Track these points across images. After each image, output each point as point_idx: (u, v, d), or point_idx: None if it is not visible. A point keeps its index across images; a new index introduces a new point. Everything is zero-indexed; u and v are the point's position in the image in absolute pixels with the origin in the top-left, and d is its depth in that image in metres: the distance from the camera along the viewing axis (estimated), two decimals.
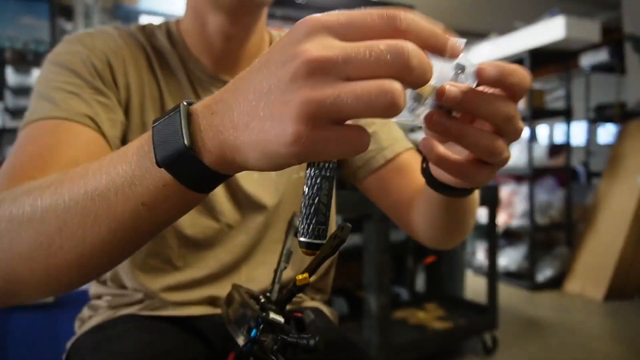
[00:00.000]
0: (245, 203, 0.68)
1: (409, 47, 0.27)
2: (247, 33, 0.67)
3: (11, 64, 2.19)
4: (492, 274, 2.14)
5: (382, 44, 0.27)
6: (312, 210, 0.30)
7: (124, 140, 0.61)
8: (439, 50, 0.30)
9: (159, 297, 0.65)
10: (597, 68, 4.12)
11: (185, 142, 0.31)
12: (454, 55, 0.31)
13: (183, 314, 0.65)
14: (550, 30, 3.12)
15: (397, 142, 0.72)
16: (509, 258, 3.52)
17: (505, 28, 3.85)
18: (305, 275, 0.44)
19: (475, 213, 0.63)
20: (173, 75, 0.66)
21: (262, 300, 0.47)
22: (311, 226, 0.30)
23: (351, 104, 0.26)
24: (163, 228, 0.38)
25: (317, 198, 0.30)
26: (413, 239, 1.75)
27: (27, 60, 2.20)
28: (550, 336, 2.43)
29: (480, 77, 0.34)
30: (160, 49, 0.67)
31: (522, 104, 3.40)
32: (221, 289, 0.66)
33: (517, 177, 3.68)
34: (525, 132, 3.35)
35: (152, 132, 0.34)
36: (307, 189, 0.31)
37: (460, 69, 0.33)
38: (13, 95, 2.22)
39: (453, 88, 0.33)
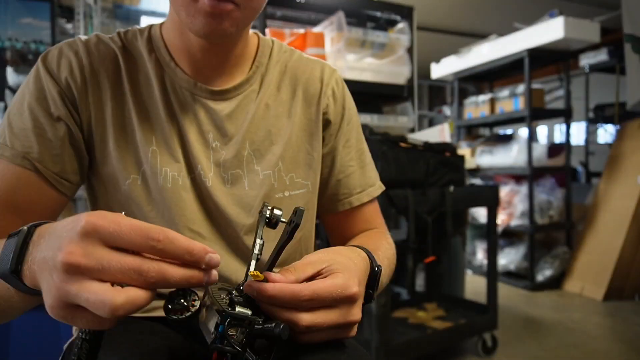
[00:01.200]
0: (222, 224, 0.68)
1: (151, 266, 0.37)
2: (228, 48, 0.67)
3: (11, 64, 2.19)
4: (491, 273, 2.15)
5: (130, 262, 0.36)
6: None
7: (93, 157, 0.65)
8: (195, 263, 0.38)
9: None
10: (597, 68, 4.12)
11: (10, 267, 0.40)
12: (210, 265, 0.39)
13: None
14: (549, 31, 3.13)
15: (367, 188, 0.78)
16: (509, 258, 3.52)
17: (505, 28, 3.86)
18: (257, 272, 0.46)
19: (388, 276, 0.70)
20: (147, 84, 0.67)
21: (234, 294, 0.47)
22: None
23: (84, 301, 0.35)
24: (22, 309, 0.50)
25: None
26: (413, 239, 1.74)
27: (27, 60, 2.20)
28: (549, 336, 2.44)
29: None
30: (139, 55, 0.67)
31: (522, 104, 3.41)
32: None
33: (517, 177, 3.69)
34: (525, 132, 3.36)
35: (2, 247, 0.42)
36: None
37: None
38: (13, 95, 2.22)
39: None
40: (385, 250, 0.70)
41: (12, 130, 0.61)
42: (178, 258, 0.38)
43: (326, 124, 0.75)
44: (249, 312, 0.45)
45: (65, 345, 0.67)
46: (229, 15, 0.57)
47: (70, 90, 0.62)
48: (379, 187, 0.80)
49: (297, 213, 0.46)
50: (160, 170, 0.65)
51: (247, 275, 0.48)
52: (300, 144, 0.73)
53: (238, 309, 0.45)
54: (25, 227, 0.42)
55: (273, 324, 0.44)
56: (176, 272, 0.38)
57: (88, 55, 0.64)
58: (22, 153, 0.59)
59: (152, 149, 0.65)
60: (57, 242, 0.37)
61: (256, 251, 0.50)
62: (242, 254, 0.69)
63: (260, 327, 0.44)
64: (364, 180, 0.78)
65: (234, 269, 0.68)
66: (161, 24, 0.70)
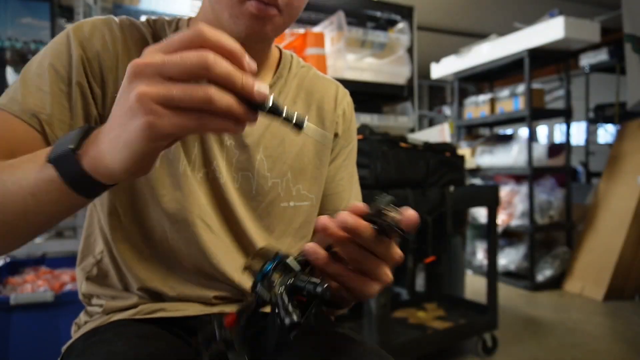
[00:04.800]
0: (231, 220, 0.69)
1: (210, 55, 0.35)
2: (258, 53, 0.68)
3: (11, 64, 2.19)
4: (491, 273, 2.14)
5: (191, 53, 0.35)
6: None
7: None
8: (237, 63, 0.37)
9: (154, 291, 0.66)
10: (597, 68, 4.12)
11: (71, 145, 0.40)
12: (251, 70, 0.38)
13: (177, 315, 0.66)
14: (549, 31, 3.13)
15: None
16: (509, 258, 3.52)
17: (505, 28, 3.86)
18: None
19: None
20: None
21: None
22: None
23: (176, 95, 0.35)
24: (47, 223, 0.46)
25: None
26: (413, 239, 1.74)
27: (27, 60, 2.20)
28: (549, 336, 2.44)
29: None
30: None
31: (522, 104, 3.41)
32: (213, 289, 0.68)
33: (517, 177, 3.69)
34: (525, 132, 3.36)
35: (61, 137, 0.43)
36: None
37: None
38: None
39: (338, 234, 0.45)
40: None
41: (27, 88, 0.58)
42: (235, 56, 0.37)
43: (334, 141, 0.79)
44: (298, 267, 0.46)
45: (64, 348, 0.67)
46: (271, 19, 0.59)
47: (99, 63, 0.61)
48: None
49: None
50: (177, 160, 0.65)
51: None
52: (311, 158, 0.75)
53: (290, 258, 0.46)
54: (82, 128, 0.43)
55: (318, 280, 0.44)
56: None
57: (122, 33, 0.64)
58: (33, 110, 0.57)
59: None
60: (121, 97, 0.38)
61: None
62: (248, 251, 0.70)
63: (305, 280, 0.45)
64: (351, 201, 0.80)
65: (240, 265, 0.69)
66: (189, 19, 0.70)
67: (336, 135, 0.79)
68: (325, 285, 0.43)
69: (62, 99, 0.59)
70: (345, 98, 0.81)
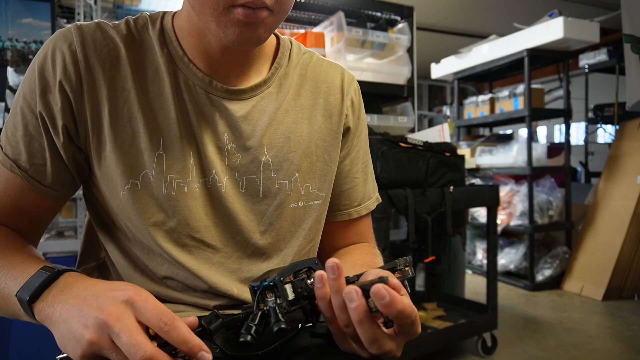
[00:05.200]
0: (232, 230, 0.66)
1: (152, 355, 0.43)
2: (252, 51, 0.65)
3: (11, 64, 2.19)
4: (491, 273, 2.15)
5: (140, 341, 0.43)
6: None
7: (96, 160, 0.61)
8: (188, 354, 0.45)
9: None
10: (596, 68, 4.12)
11: (28, 298, 0.49)
12: None
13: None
14: (549, 31, 3.13)
15: (366, 201, 0.78)
16: (509, 258, 3.53)
17: (505, 28, 3.86)
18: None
19: None
20: (157, 80, 0.62)
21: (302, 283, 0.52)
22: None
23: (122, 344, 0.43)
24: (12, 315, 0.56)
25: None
26: (413, 239, 1.74)
27: (27, 60, 2.21)
28: (549, 336, 2.44)
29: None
30: (145, 48, 0.63)
31: (521, 104, 3.41)
32: (213, 300, 0.66)
33: (517, 177, 3.69)
34: (525, 132, 3.36)
35: (34, 274, 0.51)
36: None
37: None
38: (13, 96, 2.23)
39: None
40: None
41: (7, 134, 0.60)
42: (176, 345, 0.44)
43: (344, 134, 0.75)
44: (291, 296, 0.50)
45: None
46: (262, 22, 0.55)
47: (65, 93, 0.58)
48: (375, 200, 0.80)
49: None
50: (165, 177, 0.61)
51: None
52: (319, 154, 0.70)
53: (288, 289, 0.50)
54: (57, 269, 0.51)
55: (281, 321, 0.47)
56: None
57: (83, 47, 0.59)
58: (12, 160, 0.59)
59: (158, 153, 0.61)
60: (97, 302, 0.46)
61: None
62: (251, 259, 0.68)
63: (281, 313, 0.48)
64: (366, 193, 0.78)
65: (239, 277, 0.67)
66: (173, 15, 0.65)
67: (348, 129, 0.75)
68: (281, 327, 0.47)
69: (33, 142, 0.59)
70: (352, 84, 0.77)
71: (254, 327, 0.47)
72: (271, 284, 0.50)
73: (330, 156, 0.72)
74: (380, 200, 0.82)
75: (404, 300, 0.44)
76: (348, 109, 0.74)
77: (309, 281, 0.51)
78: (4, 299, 0.53)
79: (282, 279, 0.50)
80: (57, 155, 0.60)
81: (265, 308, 0.49)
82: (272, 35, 0.71)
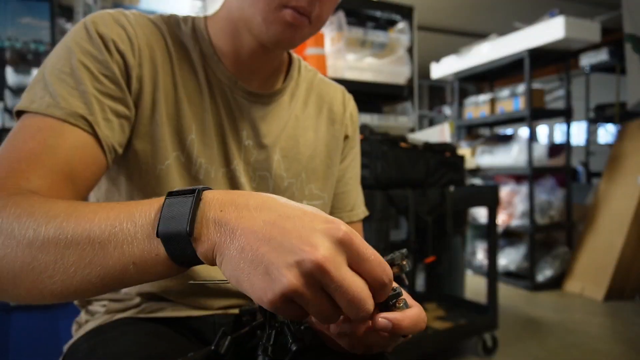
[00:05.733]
0: None
1: (369, 306, 0.37)
2: (275, 58, 0.70)
3: (11, 64, 2.19)
4: (492, 273, 2.14)
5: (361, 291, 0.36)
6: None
7: (132, 131, 0.61)
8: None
9: (157, 296, 0.66)
10: (597, 68, 4.12)
11: (187, 229, 0.37)
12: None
13: (180, 314, 0.66)
14: (550, 31, 3.13)
15: (356, 208, 0.83)
16: (509, 258, 3.52)
17: (505, 28, 3.85)
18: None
19: None
20: (192, 71, 0.66)
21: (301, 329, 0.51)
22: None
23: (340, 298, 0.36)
24: (144, 282, 0.42)
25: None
26: (413, 239, 1.73)
27: (27, 60, 2.21)
28: (550, 336, 2.43)
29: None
30: (183, 42, 0.66)
31: (522, 104, 3.41)
32: (217, 299, 0.67)
33: (517, 177, 3.68)
34: (526, 132, 3.36)
35: (163, 204, 0.39)
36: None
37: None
38: (13, 95, 2.22)
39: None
40: None
41: (64, 89, 0.55)
42: (378, 300, 0.39)
43: (343, 140, 0.82)
44: (288, 331, 0.49)
45: (66, 347, 0.66)
46: (301, 29, 0.60)
47: (124, 58, 0.59)
48: (365, 211, 0.86)
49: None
50: (195, 160, 0.65)
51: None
52: (323, 158, 0.77)
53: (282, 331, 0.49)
54: (197, 187, 0.39)
55: (298, 339, 0.47)
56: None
57: (141, 28, 0.63)
58: (78, 113, 0.54)
59: (191, 137, 0.65)
60: (303, 234, 0.35)
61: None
62: None
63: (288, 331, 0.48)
64: (357, 201, 0.84)
65: None
66: (205, 18, 0.69)
67: (347, 137, 0.82)
68: (299, 346, 0.46)
69: (102, 96, 0.57)
70: (351, 102, 0.85)
71: (270, 348, 0.47)
72: None
73: (332, 160, 0.79)
74: (368, 213, 0.87)
75: (408, 319, 0.44)
76: (348, 120, 0.82)
77: None
78: (113, 249, 0.39)
79: None
80: (119, 114, 0.58)
81: (276, 324, 0.48)
82: (285, 53, 0.77)
